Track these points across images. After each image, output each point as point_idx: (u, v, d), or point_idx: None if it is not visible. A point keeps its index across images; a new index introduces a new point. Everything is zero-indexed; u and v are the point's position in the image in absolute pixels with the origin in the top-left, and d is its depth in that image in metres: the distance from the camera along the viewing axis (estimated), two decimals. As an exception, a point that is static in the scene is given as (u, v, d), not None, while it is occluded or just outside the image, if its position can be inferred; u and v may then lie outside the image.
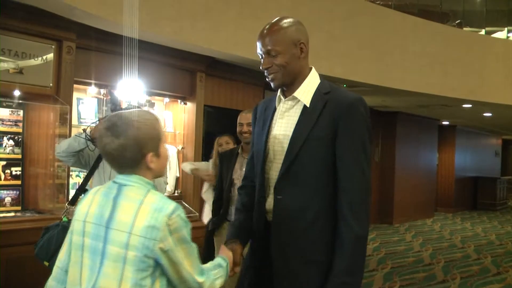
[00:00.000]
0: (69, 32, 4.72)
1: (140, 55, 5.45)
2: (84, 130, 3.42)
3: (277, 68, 2.12)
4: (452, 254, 9.04)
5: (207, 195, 4.92)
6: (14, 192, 4.72)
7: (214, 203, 4.36)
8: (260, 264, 2.24)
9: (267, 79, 2.20)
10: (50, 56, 4.65)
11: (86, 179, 3.43)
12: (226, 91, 6.81)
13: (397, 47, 7.72)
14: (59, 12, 4.46)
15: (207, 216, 4.86)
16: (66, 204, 3.31)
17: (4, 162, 4.64)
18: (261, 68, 2.16)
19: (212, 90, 6.58)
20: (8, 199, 4.67)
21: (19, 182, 4.76)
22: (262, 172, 2.23)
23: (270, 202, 2.19)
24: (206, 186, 5.00)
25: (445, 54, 8.35)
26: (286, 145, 2.14)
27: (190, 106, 6.28)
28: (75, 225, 1.87)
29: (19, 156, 4.75)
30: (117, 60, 5.29)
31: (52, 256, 2.94)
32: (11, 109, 4.70)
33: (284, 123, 2.19)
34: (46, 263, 2.99)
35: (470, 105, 10.04)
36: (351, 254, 2.00)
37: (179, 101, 6.30)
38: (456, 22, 9.97)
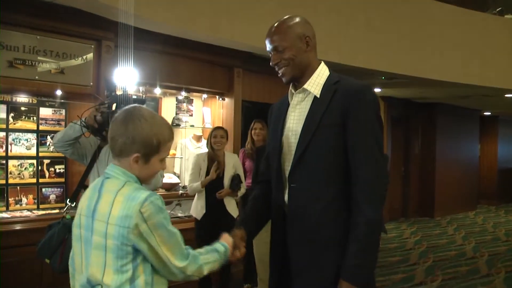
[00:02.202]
0: (108, 32, 4.79)
1: (178, 52, 5.52)
2: (79, 117, 3.27)
3: (285, 62, 2.23)
4: (496, 247, 8.85)
5: (193, 189, 4.92)
6: (58, 189, 4.84)
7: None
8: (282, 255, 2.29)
9: (278, 75, 2.30)
10: (90, 55, 4.74)
11: (85, 174, 3.41)
12: (264, 86, 6.81)
13: (435, 37, 7.57)
14: (98, 12, 4.54)
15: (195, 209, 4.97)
16: (67, 201, 3.31)
17: (48, 160, 4.76)
18: (271, 64, 2.28)
19: (249, 85, 6.59)
20: (52, 196, 4.79)
21: (62, 179, 4.88)
22: (278, 166, 2.29)
23: (286, 194, 2.25)
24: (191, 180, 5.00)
25: (485, 43, 8.15)
26: (299, 136, 2.21)
27: (228, 102, 6.31)
28: (75, 219, 2.00)
29: (62, 154, 4.86)
30: (155, 58, 5.36)
31: (53, 253, 2.97)
32: (53, 109, 4.82)
33: (296, 116, 2.28)
34: (47, 260, 3.02)
35: (512, 95, 9.81)
36: (363, 237, 2.04)
37: (217, 97, 6.34)
38: (497, 9, 9.71)
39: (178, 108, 6.18)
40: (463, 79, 7.94)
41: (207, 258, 2.03)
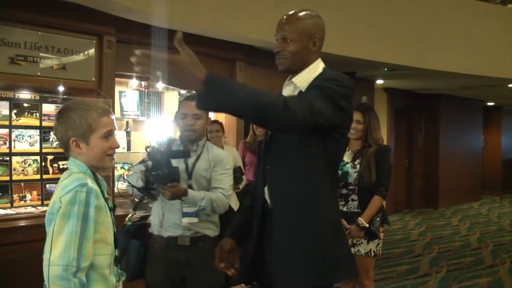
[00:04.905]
0: (109, 27, 4.79)
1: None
2: (123, 177, 3.18)
3: (287, 54, 2.19)
4: (500, 238, 8.84)
5: None
6: (62, 185, 4.84)
7: None
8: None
9: (275, 62, 2.25)
10: (92, 51, 4.74)
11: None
12: (266, 80, 6.78)
13: (438, 28, 7.53)
14: (99, 7, 4.53)
15: None
16: (131, 210, 3.30)
17: (51, 157, 4.77)
18: (273, 50, 2.23)
19: (252, 79, 6.57)
20: (56, 192, 4.79)
21: (66, 175, 4.88)
22: (263, 159, 2.29)
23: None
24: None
25: (488, 33, 8.10)
26: None
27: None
28: None
29: (66, 150, 4.87)
30: (157, 52, 5.34)
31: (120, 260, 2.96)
32: (56, 105, 4.82)
33: None
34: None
35: (516, 85, 9.76)
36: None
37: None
38: (500, -1, 9.66)
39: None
40: (466, 69, 7.91)
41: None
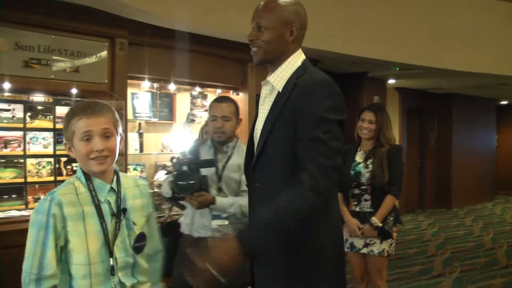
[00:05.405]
0: (121, 29, 4.82)
1: (191, 47, 5.52)
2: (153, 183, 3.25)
3: (261, 43, 2.05)
4: (515, 237, 8.78)
5: None
6: (76, 187, 4.87)
7: None
8: None
9: (251, 53, 2.13)
10: (104, 53, 4.77)
11: None
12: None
13: (450, 26, 7.50)
14: (111, 10, 4.57)
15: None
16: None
17: (65, 159, 4.80)
18: (247, 38, 2.10)
19: (263, 79, 6.56)
20: (70, 194, 4.82)
21: (80, 177, 4.91)
22: (248, 164, 2.17)
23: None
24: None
25: (500, 31, 8.05)
26: (259, 135, 2.08)
27: (242, 96, 6.31)
28: None
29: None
30: (169, 54, 5.38)
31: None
32: (69, 107, 4.84)
33: (264, 110, 2.11)
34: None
35: (530, 83, 9.69)
36: (280, 208, 1.88)
37: (231, 91, 6.34)
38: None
39: (193, 104, 6.19)
40: (478, 68, 7.87)
41: None
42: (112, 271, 1.94)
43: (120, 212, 1.99)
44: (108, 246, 1.94)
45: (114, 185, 2.02)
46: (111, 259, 1.94)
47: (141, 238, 2.02)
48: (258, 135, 2.08)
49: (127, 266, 2.00)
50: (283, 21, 2.03)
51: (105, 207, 1.97)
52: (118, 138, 1.99)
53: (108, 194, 1.99)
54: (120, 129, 2.02)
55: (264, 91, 2.13)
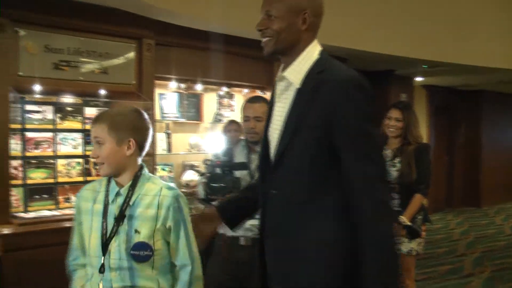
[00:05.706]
0: (148, 30, 4.87)
1: (217, 47, 5.55)
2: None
3: (271, 32, 1.88)
4: (547, 236, 8.62)
5: None
6: (105, 186, 4.94)
7: None
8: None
9: (261, 44, 1.97)
10: (131, 54, 4.83)
11: None
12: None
13: (478, 22, 7.39)
14: (138, 11, 4.62)
15: None
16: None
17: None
18: (256, 28, 1.94)
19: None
20: (99, 194, 4.89)
21: (108, 177, 4.98)
22: (261, 165, 2.04)
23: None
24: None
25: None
26: (278, 136, 1.90)
27: (269, 96, 6.31)
28: None
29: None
30: (195, 54, 5.41)
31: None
32: (98, 108, 4.92)
33: (281, 107, 1.95)
34: None
35: None
36: (376, 256, 1.73)
37: (258, 91, 6.35)
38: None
39: (220, 104, 6.22)
40: (508, 64, 7.74)
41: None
42: (101, 268, 2.01)
43: (122, 216, 2.03)
44: (103, 245, 2.02)
45: (124, 189, 2.05)
46: (103, 257, 2.01)
47: (139, 247, 1.99)
48: (275, 135, 1.93)
49: (121, 268, 2.00)
50: (294, 9, 1.86)
51: (112, 208, 2.05)
52: (114, 145, 2.02)
53: (115, 196, 2.06)
54: (123, 134, 2.03)
55: (279, 87, 1.97)
